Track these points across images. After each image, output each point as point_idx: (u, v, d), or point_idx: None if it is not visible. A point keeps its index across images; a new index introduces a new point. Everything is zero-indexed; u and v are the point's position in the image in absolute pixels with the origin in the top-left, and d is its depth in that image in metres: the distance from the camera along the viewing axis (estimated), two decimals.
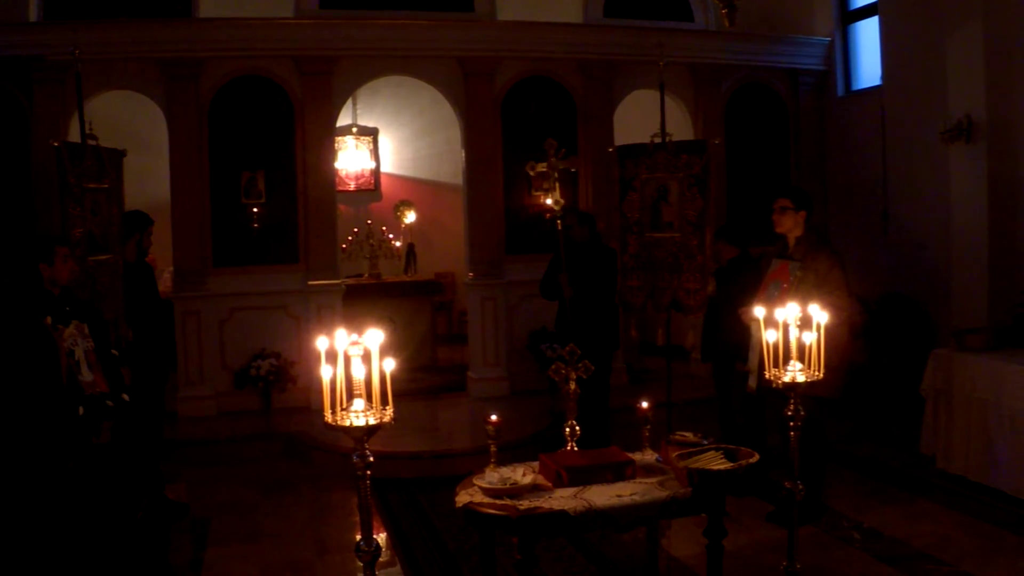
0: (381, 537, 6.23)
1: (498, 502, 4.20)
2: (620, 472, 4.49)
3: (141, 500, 5.21)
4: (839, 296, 5.71)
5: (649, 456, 4.82)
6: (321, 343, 3.31)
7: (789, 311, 4.08)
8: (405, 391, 9.56)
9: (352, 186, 13.83)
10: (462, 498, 4.32)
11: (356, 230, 12.81)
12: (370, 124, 13.92)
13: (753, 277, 6.54)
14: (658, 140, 7.57)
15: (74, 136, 7.37)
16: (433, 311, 12.14)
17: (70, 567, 4.63)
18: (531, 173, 6.54)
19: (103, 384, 4.95)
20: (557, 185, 6.35)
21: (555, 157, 6.31)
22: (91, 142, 6.27)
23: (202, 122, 9.42)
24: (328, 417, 3.33)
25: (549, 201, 6.62)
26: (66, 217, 5.89)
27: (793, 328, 4.09)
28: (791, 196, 6.23)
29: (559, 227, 6.66)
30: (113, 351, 5.23)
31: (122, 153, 6.83)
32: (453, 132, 10.91)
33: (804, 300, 4.29)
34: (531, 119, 10.17)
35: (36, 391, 4.58)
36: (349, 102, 11.66)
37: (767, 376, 4.24)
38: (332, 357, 3.27)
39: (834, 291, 5.73)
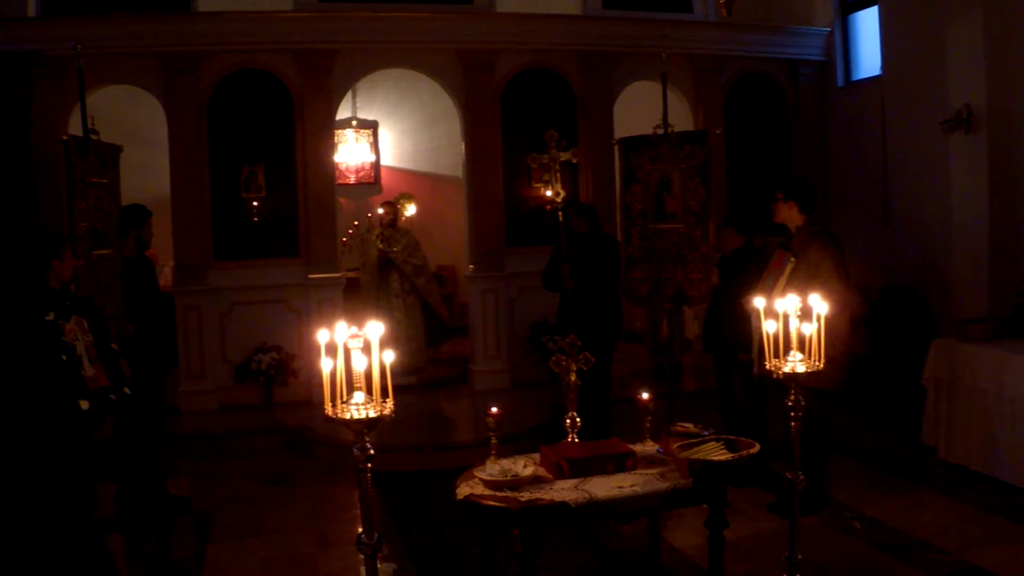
0: (383, 530, 6.23)
1: (499, 494, 4.21)
2: (621, 463, 4.50)
3: (94, 498, 5.15)
4: (832, 285, 5.68)
5: (650, 447, 4.83)
6: (321, 336, 3.30)
7: (788, 301, 4.07)
8: (406, 384, 9.58)
9: (352, 179, 13.83)
10: (463, 490, 4.33)
11: (356, 223, 12.81)
12: (370, 117, 13.91)
13: (756, 267, 6.54)
14: (661, 131, 7.57)
15: (73, 131, 7.37)
16: None
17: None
18: (533, 165, 6.53)
19: (104, 379, 4.95)
20: (558, 176, 6.34)
21: (556, 149, 6.30)
22: (93, 137, 6.27)
23: (202, 116, 9.41)
24: (328, 410, 3.33)
25: (549, 193, 6.62)
26: (72, 211, 5.89)
27: (793, 318, 4.08)
28: (783, 187, 6.25)
29: (560, 219, 6.66)
30: (113, 345, 5.23)
31: (119, 149, 6.83)
32: (453, 124, 10.90)
33: (799, 290, 4.28)
34: (531, 111, 10.18)
35: (42, 387, 4.58)
36: (349, 95, 11.65)
37: (767, 367, 4.24)
38: (332, 350, 3.27)
39: (826, 281, 5.70)
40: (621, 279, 7.65)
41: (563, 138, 6.50)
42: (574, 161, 6.51)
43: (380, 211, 10.49)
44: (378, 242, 10.11)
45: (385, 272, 10.10)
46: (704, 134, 7.62)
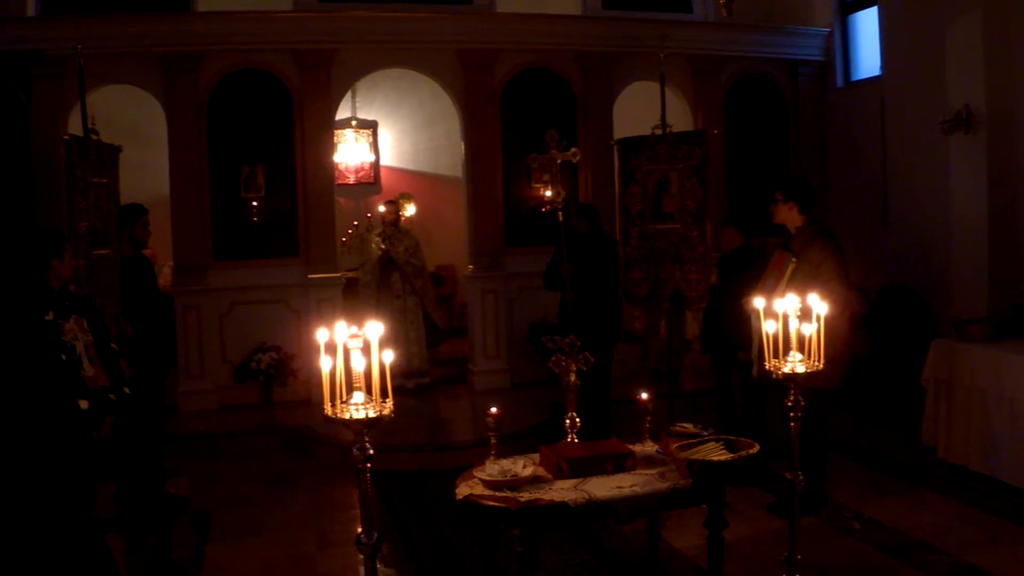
0: (382, 530, 6.23)
1: (498, 494, 4.21)
2: (620, 463, 4.50)
3: (93, 498, 5.13)
4: (835, 286, 5.69)
5: (649, 447, 4.83)
6: (321, 335, 3.31)
7: (788, 302, 4.07)
8: (405, 386, 9.57)
9: (352, 179, 13.82)
10: (462, 490, 4.33)
11: (356, 223, 12.81)
12: (369, 117, 13.90)
13: (756, 267, 6.54)
14: (659, 132, 7.57)
15: (73, 131, 7.36)
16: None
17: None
18: (534, 165, 6.53)
19: (104, 378, 4.95)
20: (558, 177, 6.34)
21: (557, 149, 6.31)
22: (93, 136, 6.27)
23: (201, 116, 9.41)
24: (328, 410, 3.34)
25: (549, 193, 6.63)
26: (73, 211, 5.89)
27: (793, 319, 4.09)
28: (783, 188, 6.24)
29: (560, 219, 6.66)
30: (113, 345, 5.23)
31: (118, 149, 6.83)
32: (453, 125, 10.90)
33: (800, 291, 4.28)
34: (531, 111, 10.18)
35: (42, 386, 4.57)
36: (348, 95, 11.64)
37: (767, 367, 4.24)
38: (332, 349, 3.27)
39: (829, 281, 5.71)
40: (620, 279, 7.65)
41: (563, 138, 6.51)
42: (575, 161, 6.51)
43: (382, 209, 10.38)
44: (380, 241, 9.99)
45: (387, 272, 10.00)
46: (702, 134, 7.62)
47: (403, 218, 10.06)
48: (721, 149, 10.56)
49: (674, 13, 10.93)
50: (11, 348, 4.55)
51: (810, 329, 4.05)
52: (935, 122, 8.67)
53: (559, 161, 6.32)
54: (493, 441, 4.59)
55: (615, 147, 8.06)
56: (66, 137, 6.06)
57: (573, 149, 6.43)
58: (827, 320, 4.15)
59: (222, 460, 8.06)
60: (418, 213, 13.80)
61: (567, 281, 7.01)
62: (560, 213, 6.66)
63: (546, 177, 6.57)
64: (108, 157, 6.53)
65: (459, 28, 9.97)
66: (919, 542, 5.58)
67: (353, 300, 10.23)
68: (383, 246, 9.94)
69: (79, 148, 6.04)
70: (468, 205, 10.29)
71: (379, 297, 10.00)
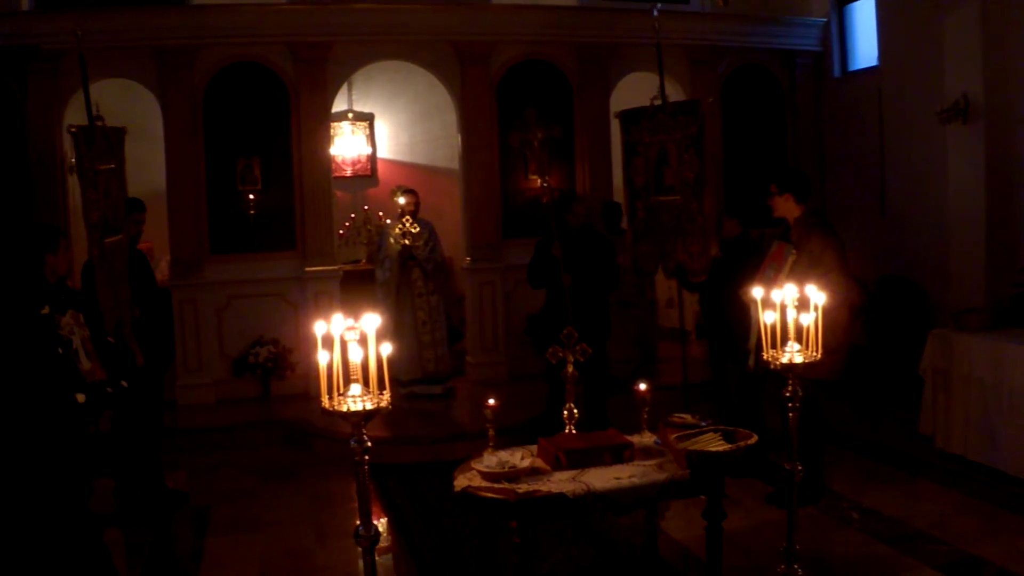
0: (381, 523, 6.24)
1: (496, 486, 4.20)
2: (618, 454, 4.50)
3: (90, 492, 5.12)
4: (834, 277, 5.69)
5: (647, 438, 4.82)
6: (318, 328, 3.30)
7: (787, 292, 4.07)
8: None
9: (349, 172, 13.78)
10: (460, 482, 4.33)
11: (353, 216, 12.78)
12: (366, 110, 13.86)
13: (752, 258, 6.53)
14: (658, 102, 7.58)
15: (70, 127, 7.34)
16: None
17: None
18: (515, 144, 6.51)
19: (100, 372, 4.95)
20: (538, 152, 6.32)
21: (536, 126, 6.29)
22: (98, 123, 6.25)
23: (197, 109, 9.38)
24: (325, 402, 3.33)
25: (546, 184, 6.60)
26: (85, 202, 5.88)
27: (791, 309, 4.08)
28: (776, 180, 6.23)
29: (552, 197, 6.59)
30: (110, 339, 5.22)
31: (123, 131, 6.81)
32: (449, 117, 10.88)
33: (799, 282, 4.27)
34: (527, 103, 10.09)
35: (38, 380, 4.57)
36: (345, 88, 11.62)
37: (765, 357, 4.23)
38: (329, 342, 3.26)
39: (829, 272, 5.71)
40: (633, 251, 7.62)
41: (559, 125, 6.48)
42: (556, 136, 6.47)
43: (401, 201, 9.05)
44: (400, 236, 9.02)
45: (407, 270, 9.11)
46: (696, 104, 7.66)
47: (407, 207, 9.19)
48: (719, 140, 10.55)
49: (671, 3, 10.90)
50: (7, 342, 4.54)
51: (808, 319, 4.05)
52: (932, 112, 8.66)
53: (540, 136, 6.28)
54: (491, 433, 4.59)
55: (617, 120, 8.09)
56: (73, 129, 6.05)
57: (554, 125, 6.39)
58: (826, 310, 4.14)
59: (220, 454, 8.05)
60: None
61: (560, 260, 6.95)
62: (549, 188, 6.55)
63: (538, 176, 6.57)
64: (115, 140, 6.51)
65: (455, 20, 9.95)
66: (918, 532, 5.58)
67: (350, 293, 10.16)
68: (404, 241, 8.99)
69: (88, 138, 6.03)
70: (465, 197, 10.28)
71: (400, 296, 9.15)
